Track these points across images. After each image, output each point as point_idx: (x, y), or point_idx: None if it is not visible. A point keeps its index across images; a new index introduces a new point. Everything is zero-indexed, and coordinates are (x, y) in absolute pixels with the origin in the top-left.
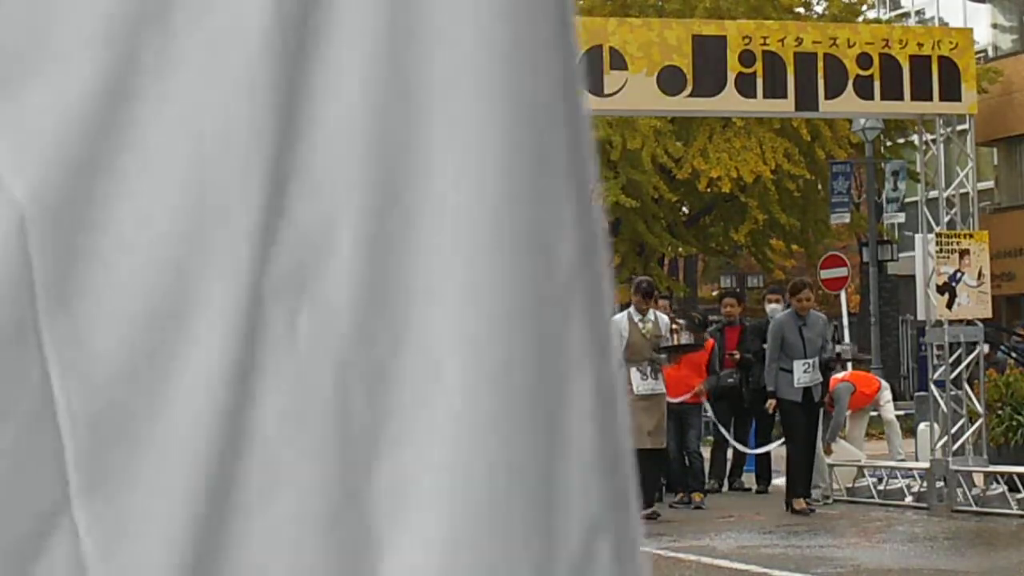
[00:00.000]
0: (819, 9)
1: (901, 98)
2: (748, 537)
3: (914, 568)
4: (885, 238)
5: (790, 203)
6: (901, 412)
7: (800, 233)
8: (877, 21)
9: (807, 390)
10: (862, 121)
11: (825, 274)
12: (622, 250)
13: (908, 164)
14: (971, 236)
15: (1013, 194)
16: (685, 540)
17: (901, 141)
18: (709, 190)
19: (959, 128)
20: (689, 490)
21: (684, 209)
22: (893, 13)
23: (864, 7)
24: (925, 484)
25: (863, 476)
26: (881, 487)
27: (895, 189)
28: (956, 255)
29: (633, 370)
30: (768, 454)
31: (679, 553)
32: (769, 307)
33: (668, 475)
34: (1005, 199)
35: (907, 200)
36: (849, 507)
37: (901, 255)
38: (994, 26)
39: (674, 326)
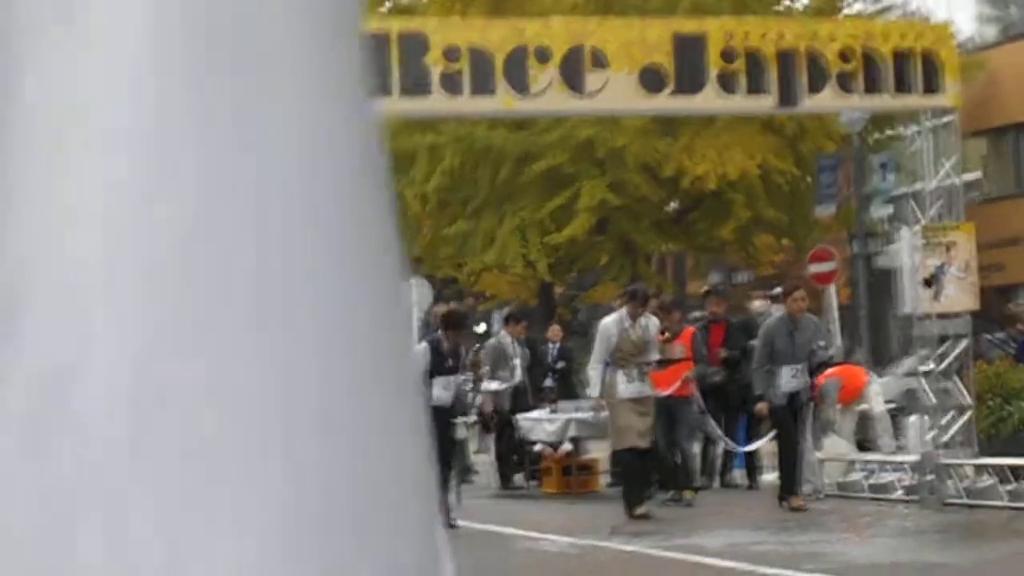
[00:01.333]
0: (801, 5)
1: (883, 92)
2: (738, 534)
3: (904, 563)
4: (874, 231)
5: (777, 198)
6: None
7: (788, 228)
8: (859, 15)
9: (793, 398)
10: (849, 114)
11: (814, 268)
12: (609, 248)
13: (895, 157)
14: (956, 228)
15: (1001, 184)
16: (675, 539)
17: (888, 133)
18: (695, 187)
19: (944, 120)
20: (680, 487)
21: (671, 207)
22: (876, 6)
23: (845, 1)
24: (915, 477)
25: (854, 471)
26: (871, 481)
27: (883, 181)
28: (942, 248)
29: (619, 373)
30: (757, 450)
31: (668, 552)
32: (754, 304)
33: (659, 472)
34: (993, 189)
35: (896, 193)
36: (839, 502)
37: (890, 248)
38: (979, 17)
39: (664, 334)
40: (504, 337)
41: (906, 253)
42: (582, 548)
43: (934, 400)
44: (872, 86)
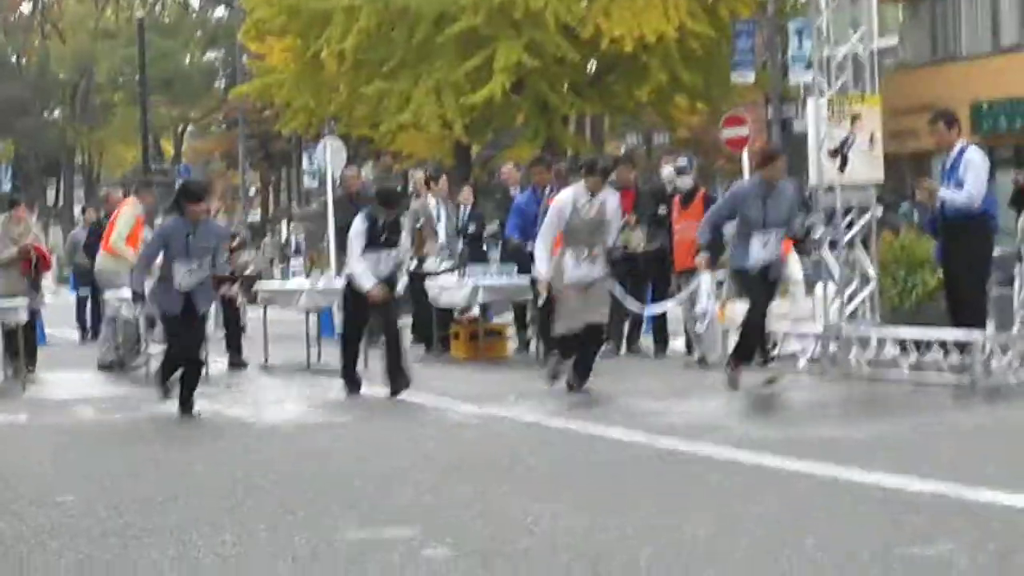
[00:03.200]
0: None
1: None
2: (639, 404)
3: (802, 438)
4: (791, 96)
5: (695, 61)
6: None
7: (706, 91)
8: None
9: (765, 269)
10: None
11: (727, 133)
12: (526, 109)
13: (811, 21)
14: (862, 100)
15: (917, 51)
16: (576, 408)
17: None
18: (612, 49)
19: None
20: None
21: (588, 68)
22: None
23: None
24: (819, 348)
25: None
26: (776, 352)
27: (800, 47)
28: (848, 119)
29: (567, 255)
30: (665, 317)
31: (569, 422)
32: (664, 171)
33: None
34: (909, 56)
35: (815, 56)
36: (743, 372)
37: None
38: None
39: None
40: (427, 199)
41: (812, 123)
42: (483, 417)
43: (839, 271)
44: None
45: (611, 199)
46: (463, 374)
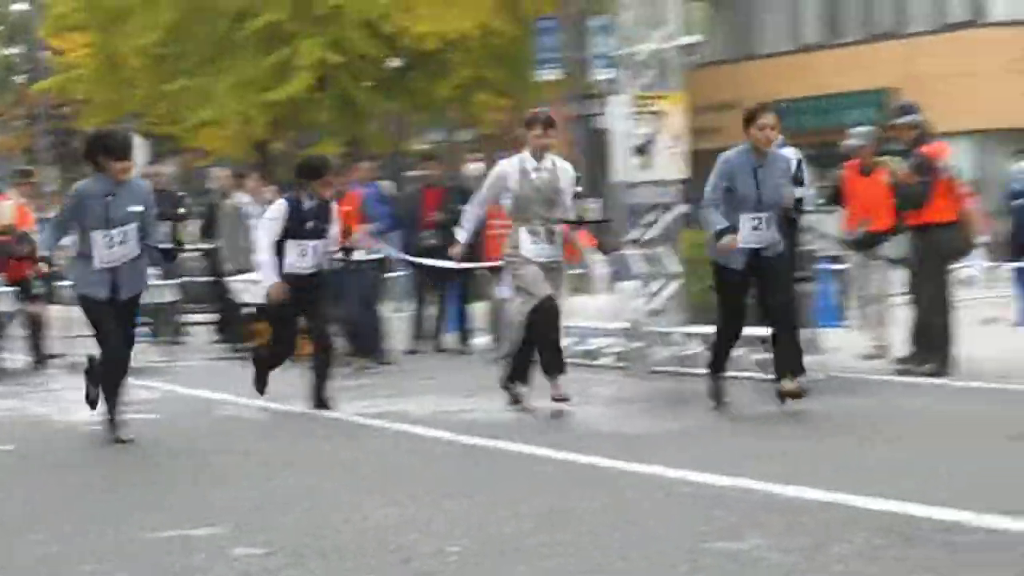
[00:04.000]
0: None
1: None
2: (445, 401)
3: (606, 432)
4: (595, 93)
5: (499, 58)
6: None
7: (510, 87)
8: None
9: (755, 256)
10: None
11: None
12: (329, 107)
13: (615, 20)
14: (666, 98)
15: (720, 48)
16: (381, 405)
17: None
18: (415, 46)
19: None
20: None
21: (391, 65)
22: None
23: None
24: (625, 345)
25: (565, 336)
26: (581, 347)
27: (603, 45)
28: (652, 116)
29: (523, 231)
30: (470, 314)
31: (373, 420)
32: (468, 167)
33: (355, 339)
34: (713, 53)
35: (617, 54)
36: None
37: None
38: None
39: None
40: (242, 197)
41: (617, 120)
42: (286, 414)
43: (645, 268)
44: None
45: (565, 166)
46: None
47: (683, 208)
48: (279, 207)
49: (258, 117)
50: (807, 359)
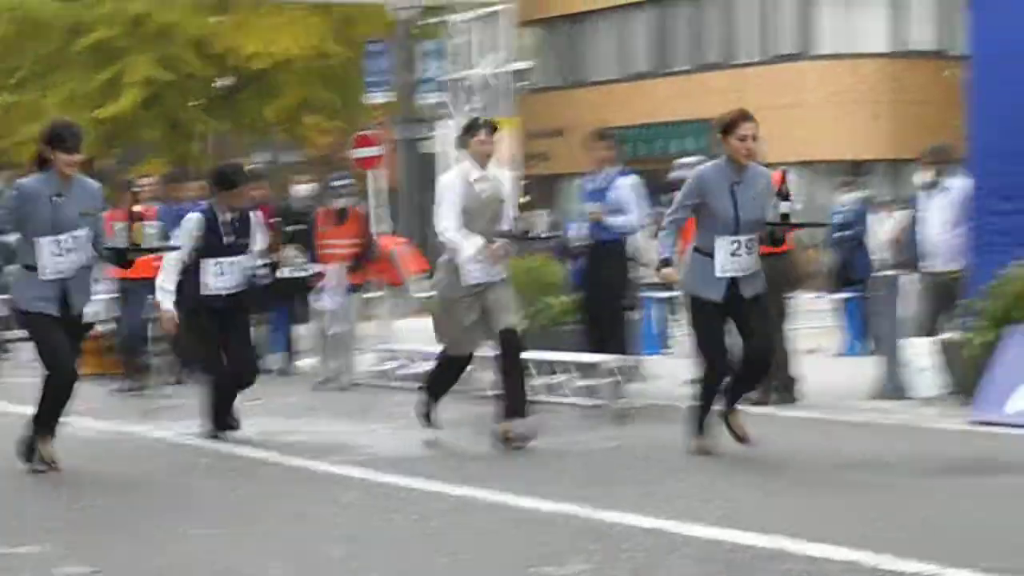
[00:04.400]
0: None
1: None
2: (270, 423)
3: (436, 456)
4: (422, 117)
5: (328, 80)
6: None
7: (340, 110)
8: None
9: (733, 286)
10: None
11: (358, 153)
12: (157, 125)
13: (447, 44)
14: (499, 123)
15: (551, 74)
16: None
17: (439, 20)
18: (245, 66)
19: (493, 10)
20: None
21: (220, 84)
22: None
23: None
24: None
25: (390, 359)
26: (405, 371)
27: (431, 69)
28: None
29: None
30: (295, 335)
31: (199, 440)
32: (296, 188)
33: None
34: (543, 79)
35: (446, 79)
36: (373, 392)
37: (433, 136)
38: None
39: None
40: None
41: (446, 144)
42: (117, 434)
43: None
44: None
45: (504, 176)
46: (91, 390)
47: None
48: (192, 221)
49: (88, 133)
50: (631, 387)
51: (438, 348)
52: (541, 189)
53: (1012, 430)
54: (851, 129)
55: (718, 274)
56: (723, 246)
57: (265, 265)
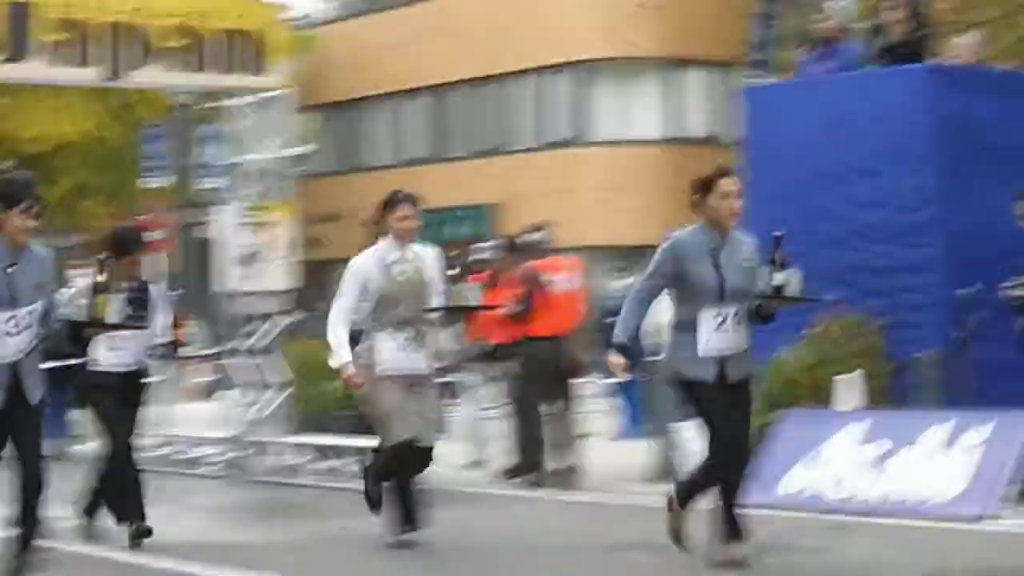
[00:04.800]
0: None
1: (212, 70)
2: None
3: (205, 543)
4: (201, 202)
5: (106, 165)
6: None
7: (118, 194)
8: None
9: (721, 367)
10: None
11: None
12: None
13: (226, 130)
14: (276, 208)
15: (329, 160)
16: None
17: (218, 105)
18: (21, 150)
19: (272, 95)
20: None
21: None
22: None
23: None
24: (229, 454)
25: (170, 443)
26: (184, 456)
27: (210, 154)
28: (262, 226)
29: (382, 337)
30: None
31: None
32: (69, 274)
33: None
34: (322, 165)
35: (226, 164)
36: (149, 477)
37: (212, 221)
38: None
39: (454, 269)
40: None
41: (224, 229)
42: None
43: (249, 377)
44: (201, 64)
45: (428, 251)
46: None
47: (290, 318)
48: (79, 290)
49: None
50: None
51: (218, 433)
52: (316, 274)
53: (782, 512)
54: (626, 214)
55: (701, 352)
56: (708, 320)
57: (167, 344)
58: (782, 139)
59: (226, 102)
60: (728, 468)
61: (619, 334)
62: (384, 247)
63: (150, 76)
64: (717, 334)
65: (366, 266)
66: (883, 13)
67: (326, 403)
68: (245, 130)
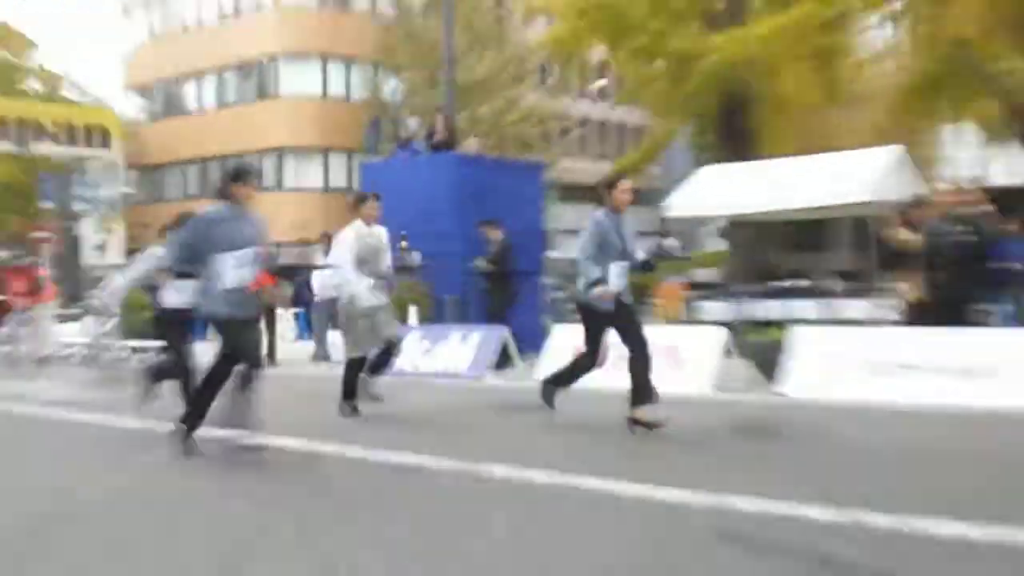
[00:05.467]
0: None
1: (78, 146)
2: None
3: (75, 399)
4: (72, 216)
5: (17, 195)
6: None
7: (26, 211)
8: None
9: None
10: None
11: (35, 235)
12: None
13: (87, 176)
14: (113, 220)
15: (142, 196)
16: None
17: (81, 163)
18: None
19: (113, 159)
20: None
21: None
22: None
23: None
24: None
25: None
26: (64, 353)
27: (79, 191)
28: (106, 230)
29: (363, 283)
30: None
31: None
32: None
33: None
34: (138, 199)
35: (90, 195)
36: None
37: (80, 225)
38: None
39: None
40: None
41: (87, 231)
42: None
43: (99, 309)
44: (75, 142)
45: (382, 230)
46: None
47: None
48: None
49: None
50: None
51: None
52: (133, 254)
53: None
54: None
55: (612, 290)
56: (614, 269)
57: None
58: (387, 192)
59: (88, 162)
60: (637, 350)
61: (594, 275)
62: (358, 225)
63: (46, 149)
64: (619, 279)
65: (349, 237)
66: (435, 127)
67: (139, 324)
68: (98, 177)
